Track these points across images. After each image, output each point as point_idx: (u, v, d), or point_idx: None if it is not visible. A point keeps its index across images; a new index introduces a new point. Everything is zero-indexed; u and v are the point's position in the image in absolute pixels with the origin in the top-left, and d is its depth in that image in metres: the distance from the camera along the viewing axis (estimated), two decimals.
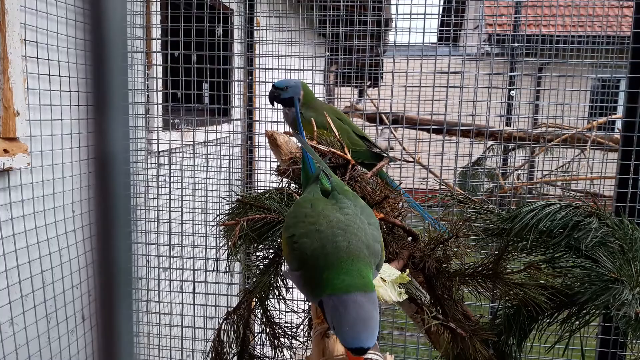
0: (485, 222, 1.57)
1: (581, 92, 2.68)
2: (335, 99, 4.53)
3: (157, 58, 2.74)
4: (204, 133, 2.87)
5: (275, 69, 2.77)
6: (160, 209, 2.79)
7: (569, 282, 1.52)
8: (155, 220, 2.79)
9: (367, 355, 1.02)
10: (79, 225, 2.37)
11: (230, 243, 1.63)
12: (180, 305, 2.81)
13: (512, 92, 3.73)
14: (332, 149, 1.87)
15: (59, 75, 2.19)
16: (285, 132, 2.03)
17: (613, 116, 3.87)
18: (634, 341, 1.61)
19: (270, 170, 2.81)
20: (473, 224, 1.59)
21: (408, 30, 2.56)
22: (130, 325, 0.33)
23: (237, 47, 3.22)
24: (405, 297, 1.27)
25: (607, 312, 1.80)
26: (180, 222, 2.78)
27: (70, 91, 2.25)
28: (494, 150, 3.71)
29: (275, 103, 2.22)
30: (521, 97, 2.94)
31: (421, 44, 2.56)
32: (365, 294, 0.92)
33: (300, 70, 2.77)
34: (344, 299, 0.92)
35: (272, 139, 1.98)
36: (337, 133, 1.96)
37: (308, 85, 2.23)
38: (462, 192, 2.13)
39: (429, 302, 1.56)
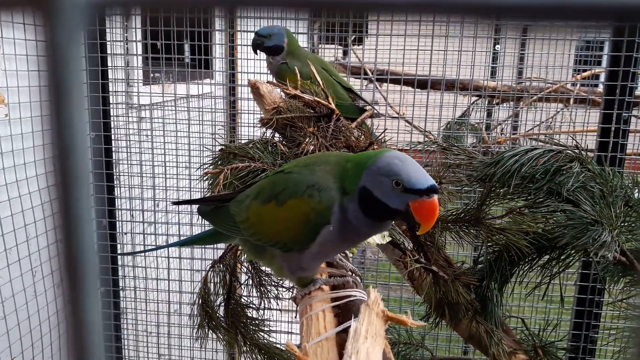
0: (468, 168, 1.58)
1: (566, 41, 2.67)
2: (320, 54, 4.47)
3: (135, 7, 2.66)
4: (186, 86, 2.82)
5: (257, 17, 2.71)
6: (144, 163, 2.76)
7: (550, 227, 1.54)
8: (139, 175, 2.77)
9: (350, 292, 1.04)
10: None
11: (214, 192, 1.63)
12: (167, 259, 2.82)
13: (497, 45, 3.71)
14: (316, 99, 1.85)
15: (34, 25, 2.12)
16: (268, 82, 2.00)
17: (596, 69, 3.88)
18: (611, 286, 1.66)
19: (254, 123, 2.78)
20: (456, 170, 1.60)
21: None
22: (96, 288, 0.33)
23: None
24: (388, 239, 1.28)
25: (586, 258, 1.84)
26: (164, 176, 2.77)
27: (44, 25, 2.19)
28: (479, 105, 3.71)
29: (258, 51, 2.18)
30: (506, 49, 2.92)
31: None
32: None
33: (284, 19, 2.71)
34: (390, 155, 0.94)
35: (255, 88, 1.95)
36: (321, 83, 1.94)
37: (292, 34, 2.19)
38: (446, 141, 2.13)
39: (412, 248, 1.58)
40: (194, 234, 2.85)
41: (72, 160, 0.31)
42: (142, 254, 2.87)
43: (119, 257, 2.79)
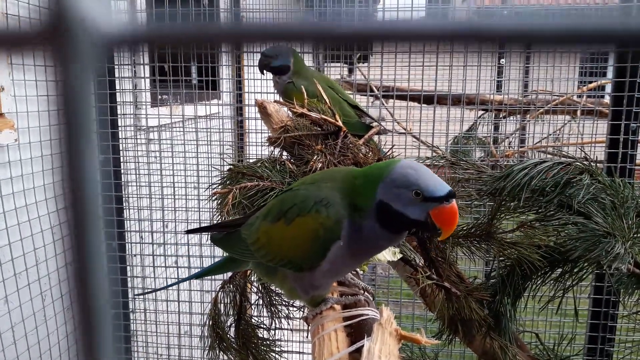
0: (478, 182, 1.58)
1: (571, 53, 2.67)
2: (325, 72, 4.49)
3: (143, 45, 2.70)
4: (193, 107, 2.84)
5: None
6: (152, 185, 2.77)
7: (562, 240, 1.53)
8: (147, 196, 2.78)
9: (362, 311, 1.03)
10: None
11: (223, 211, 1.63)
12: (176, 280, 2.81)
13: (502, 59, 3.72)
14: (323, 116, 1.85)
15: (44, 50, 2.15)
16: (275, 101, 2.01)
17: (602, 81, 3.87)
18: (626, 298, 1.64)
19: (262, 142, 2.79)
20: (465, 184, 1.59)
21: (396, 8, 2.54)
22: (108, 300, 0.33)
23: (223, 18, 3.18)
24: (399, 255, 1.27)
25: (599, 271, 1.82)
26: (173, 197, 2.77)
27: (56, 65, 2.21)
28: (485, 119, 3.70)
29: (265, 71, 2.20)
30: (511, 63, 2.93)
31: (410, 14, 2.54)
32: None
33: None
34: (402, 165, 0.93)
35: (262, 107, 1.96)
36: (328, 101, 1.94)
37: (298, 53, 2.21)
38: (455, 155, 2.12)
39: (423, 264, 1.57)
40: (203, 254, 2.85)
41: (84, 198, 0.31)
42: (153, 276, 2.86)
43: (129, 279, 2.78)
